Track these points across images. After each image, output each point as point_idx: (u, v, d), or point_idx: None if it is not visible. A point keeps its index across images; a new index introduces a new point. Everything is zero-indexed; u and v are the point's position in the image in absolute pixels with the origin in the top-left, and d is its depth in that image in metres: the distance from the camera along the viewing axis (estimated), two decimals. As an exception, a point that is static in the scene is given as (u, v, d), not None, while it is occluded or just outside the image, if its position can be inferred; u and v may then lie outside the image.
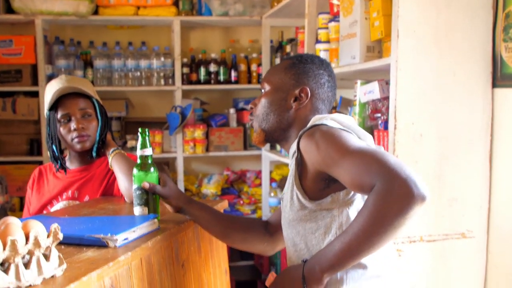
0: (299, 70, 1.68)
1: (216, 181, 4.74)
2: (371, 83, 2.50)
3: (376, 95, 2.44)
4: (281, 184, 4.52)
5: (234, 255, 4.74)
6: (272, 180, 4.69)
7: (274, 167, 4.78)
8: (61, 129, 2.19)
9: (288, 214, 1.59)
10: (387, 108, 2.36)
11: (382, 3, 2.37)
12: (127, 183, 2.04)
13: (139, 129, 1.71)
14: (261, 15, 4.53)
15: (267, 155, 4.54)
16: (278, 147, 4.28)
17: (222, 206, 2.11)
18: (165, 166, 4.68)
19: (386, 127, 2.40)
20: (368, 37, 2.51)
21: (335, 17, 2.91)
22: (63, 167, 2.24)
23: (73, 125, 2.17)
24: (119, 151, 2.17)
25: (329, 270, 1.36)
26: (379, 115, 2.48)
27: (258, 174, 4.85)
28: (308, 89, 1.66)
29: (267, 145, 4.58)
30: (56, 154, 2.23)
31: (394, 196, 1.23)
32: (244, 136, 4.69)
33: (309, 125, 1.55)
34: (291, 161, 1.63)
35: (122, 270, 1.34)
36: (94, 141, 2.22)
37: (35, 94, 4.32)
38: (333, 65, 2.89)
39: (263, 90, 1.72)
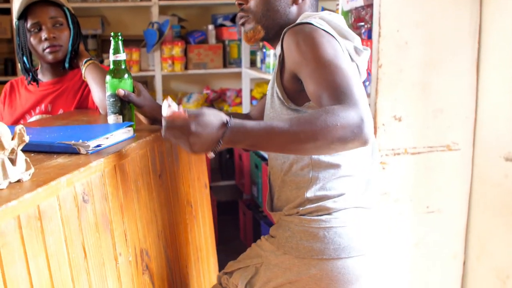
0: None
1: (196, 100, 4.67)
2: (354, -10, 2.41)
3: (360, 2, 2.36)
4: (262, 103, 4.45)
5: (215, 175, 4.73)
6: (252, 98, 4.62)
7: (255, 85, 4.70)
8: (32, 39, 2.09)
9: (269, 111, 1.56)
10: (371, 16, 2.28)
11: None
12: (101, 94, 1.96)
13: (112, 33, 1.62)
14: None
15: (248, 72, 4.45)
16: (258, 63, 4.20)
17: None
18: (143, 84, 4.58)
19: (370, 36, 2.32)
20: None
21: None
22: (35, 79, 2.15)
23: (44, 34, 2.07)
24: (93, 62, 2.08)
25: (249, 144, 1.25)
26: (362, 23, 2.40)
27: (239, 93, 4.77)
28: None
29: (247, 62, 4.49)
30: (27, 66, 2.13)
31: (346, 123, 1.20)
32: (223, 53, 4.59)
33: (296, 22, 1.47)
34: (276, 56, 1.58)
35: (94, 177, 1.29)
36: (67, 51, 2.12)
37: (7, 12, 4.16)
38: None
39: None
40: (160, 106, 1.73)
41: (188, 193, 1.97)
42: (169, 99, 1.31)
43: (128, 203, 1.46)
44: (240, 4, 1.61)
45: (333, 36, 1.42)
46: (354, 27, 2.48)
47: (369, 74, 2.33)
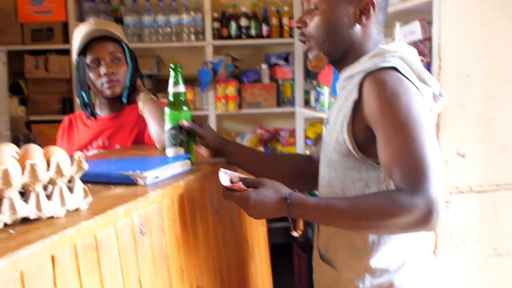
0: None
1: (249, 140, 4.65)
2: (411, 24, 2.36)
3: (418, 35, 2.30)
4: (316, 143, 4.41)
5: (268, 216, 4.65)
6: (306, 138, 4.58)
7: (309, 124, 4.66)
8: (91, 74, 2.11)
9: (331, 154, 1.45)
10: (430, 50, 2.22)
11: None
12: (158, 128, 1.95)
13: (171, 65, 1.60)
14: (293, -35, 4.37)
15: (301, 112, 4.42)
16: (312, 102, 4.16)
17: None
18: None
19: (429, 70, 2.26)
20: (408, -27, 2.37)
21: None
22: (93, 114, 2.16)
23: (102, 69, 2.09)
24: (150, 96, 2.08)
25: (307, 218, 1.29)
26: (421, 57, 2.33)
27: (292, 133, 4.74)
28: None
29: (301, 102, 4.47)
30: (86, 101, 2.15)
31: (411, 216, 1.17)
32: (277, 92, 4.58)
33: (375, 61, 1.38)
34: (342, 85, 1.50)
35: (152, 209, 1.26)
36: (124, 86, 2.13)
37: (67, 52, 4.28)
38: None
39: (313, 7, 1.49)
40: (222, 138, 1.71)
41: (245, 230, 1.92)
42: (221, 170, 1.35)
43: (185, 238, 1.42)
44: (299, 27, 1.53)
45: (416, 86, 1.33)
46: (413, 62, 2.42)
47: (429, 109, 2.26)
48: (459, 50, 2.10)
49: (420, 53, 2.34)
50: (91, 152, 2.14)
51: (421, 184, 1.18)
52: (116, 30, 2.13)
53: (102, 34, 2.09)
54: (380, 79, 1.31)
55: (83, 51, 2.10)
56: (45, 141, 4.20)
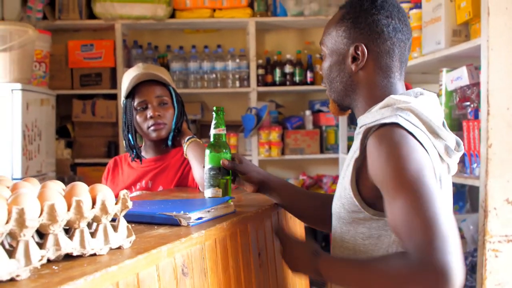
0: (349, 22, 1.41)
1: (292, 186, 4.62)
2: (458, 69, 2.34)
3: (465, 81, 2.27)
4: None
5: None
6: (350, 184, 4.52)
7: (352, 171, 4.61)
8: (137, 117, 2.14)
9: (340, 209, 1.40)
10: (478, 95, 2.19)
11: (469, -18, 2.22)
12: (202, 172, 1.95)
13: (214, 107, 1.63)
14: (338, 14, 4.38)
15: (345, 158, 4.38)
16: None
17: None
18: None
19: (476, 116, 2.23)
20: (454, 20, 2.36)
21: (416, 5, 2.78)
22: (138, 156, 2.18)
23: (149, 112, 2.12)
24: (195, 139, 2.10)
25: (327, 278, 1.32)
26: (468, 103, 2.30)
27: (335, 179, 4.69)
28: (363, 45, 1.39)
29: (344, 148, 4.44)
30: (132, 142, 2.18)
31: (416, 284, 1.07)
32: (320, 138, 4.57)
33: (383, 113, 1.33)
34: (355, 136, 1.44)
35: (195, 249, 1.24)
36: (170, 129, 2.16)
37: (114, 97, 4.38)
38: (415, 54, 2.76)
39: (322, 53, 1.51)
40: (264, 172, 1.70)
41: (287, 276, 1.88)
42: None
43: (226, 281, 1.40)
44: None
45: (421, 144, 1.25)
46: (459, 107, 2.39)
47: (477, 155, 2.21)
48: (508, 95, 2.06)
49: (468, 99, 2.31)
50: (134, 193, 2.15)
51: (429, 252, 1.06)
52: (163, 74, 2.17)
53: (150, 77, 2.13)
54: (381, 137, 1.25)
55: (131, 94, 2.15)
56: (90, 184, 4.19)
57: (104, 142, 4.51)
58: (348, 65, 1.42)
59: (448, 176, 1.39)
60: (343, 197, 1.38)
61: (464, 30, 2.36)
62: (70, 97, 4.48)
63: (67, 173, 4.34)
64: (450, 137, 1.36)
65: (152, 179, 2.17)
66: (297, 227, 1.98)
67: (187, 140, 2.10)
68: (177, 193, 1.99)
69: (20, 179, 3.37)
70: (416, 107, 1.32)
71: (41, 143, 3.79)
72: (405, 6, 2.92)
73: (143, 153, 2.23)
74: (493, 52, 2.03)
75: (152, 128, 2.12)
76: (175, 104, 2.18)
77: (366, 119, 1.39)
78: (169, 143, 2.17)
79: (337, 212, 1.42)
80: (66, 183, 3.34)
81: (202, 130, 4.61)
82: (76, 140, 4.52)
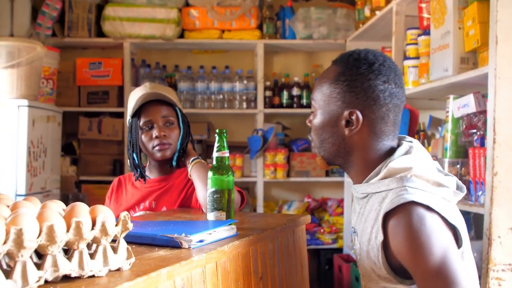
0: (344, 84, 1.38)
1: (296, 208, 4.61)
2: (465, 96, 2.33)
3: (472, 108, 2.27)
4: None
5: (313, 286, 4.54)
6: (355, 208, 4.50)
7: (357, 195, 4.59)
8: (143, 136, 2.14)
9: (365, 267, 1.40)
10: (484, 123, 2.18)
11: (478, 10, 2.23)
12: (206, 193, 1.94)
13: (217, 130, 1.62)
14: (345, 38, 4.41)
15: (350, 182, 4.36)
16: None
17: (305, 220, 1.99)
18: (245, 190, 4.60)
19: (482, 144, 2.21)
20: (462, 47, 2.36)
21: (425, 31, 2.78)
22: (142, 176, 2.18)
23: (155, 132, 2.11)
24: (200, 160, 2.09)
25: None
26: (474, 130, 2.29)
27: (340, 203, 4.68)
28: (358, 112, 1.37)
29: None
30: (136, 162, 2.17)
31: None
32: (326, 162, 4.55)
33: (390, 186, 1.32)
34: (358, 203, 1.46)
35: (195, 272, 1.23)
36: (175, 150, 2.16)
37: (120, 115, 4.39)
38: (422, 81, 2.76)
39: (312, 109, 1.48)
40: None
41: (288, 300, 1.86)
42: None
43: (226, 305, 1.38)
44: (309, 122, 1.51)
45: (439, 212, 1.26)
46: (465, 134, 2.38)
47: (482, 183, 2.20)
48: (515, 124, 2.05)
49: (474, 126, 2.30)
50: (137, 213, 2.14)
51: None
52: (170, 94, 2.17)
53: (156, 97, 2.13)
54: (403, 224, 1.25)
55: (137, 113, 2.14)
56: (94, 201, 4.25)
57: (109, 160, 4.52)
58: (341, 128, 1.40)
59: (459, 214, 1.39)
60: (366, 256, 1.38)
61: (472, 58, 2.35)
62: (77, 114, 4.50)
63: (72, 190, 4.34)
64: (452, 181, 1.38)
65: (156, 199, 2.16)
66: (300, 250, 1.96)
67: (192, 161, 2.10)
68: (180, 214, 1.98)
69: (24, 195, 3.38)
70: (418, 171, 1.33)
71: (46, 160, 3.79)
72: (413, 32, 2.92)
73: (147, 173, 2.23)
74: (500, 81, 2.03)
75: (157, 148, 2.12)
76: (181, 125, 2.18)
77: (369, 188, 1.39)
78: (174, 163, 2.16)
79: (363, 267, 1.41)
80: (70, 201, 3.33)
81: (208, 151, 4.61)
82: (81, 157, 4.53)
